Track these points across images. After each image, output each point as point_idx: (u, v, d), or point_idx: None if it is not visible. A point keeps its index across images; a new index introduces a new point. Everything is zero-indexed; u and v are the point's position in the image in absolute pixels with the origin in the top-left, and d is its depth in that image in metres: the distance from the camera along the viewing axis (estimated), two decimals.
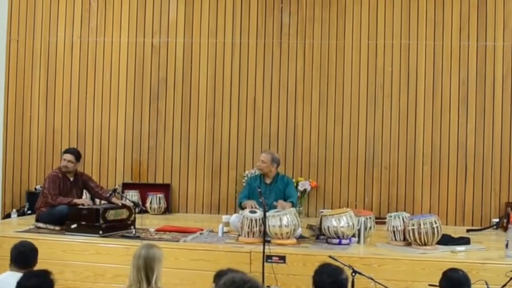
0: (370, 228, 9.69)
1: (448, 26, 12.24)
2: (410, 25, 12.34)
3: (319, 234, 9.58)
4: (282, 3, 12.64)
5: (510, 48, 12.08)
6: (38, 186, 12.42)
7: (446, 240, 9.34)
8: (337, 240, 9.18)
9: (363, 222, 9.46)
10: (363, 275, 6.77)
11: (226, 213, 11.41)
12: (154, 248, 6.18)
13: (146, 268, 6.01)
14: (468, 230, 11.19)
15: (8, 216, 12.11)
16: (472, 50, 12.17)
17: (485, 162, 12.10)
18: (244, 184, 11.40)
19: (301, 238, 9.55)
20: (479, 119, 12.12)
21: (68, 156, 10.36)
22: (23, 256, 6.45)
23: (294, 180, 11.50)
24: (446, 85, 12.22)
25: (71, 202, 9.94)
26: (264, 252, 8.13)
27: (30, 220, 10.73)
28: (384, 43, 12.39)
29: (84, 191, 10.77)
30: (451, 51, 12.21)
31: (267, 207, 8.90)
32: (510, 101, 12.05)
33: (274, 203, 9.78)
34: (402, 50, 12.34)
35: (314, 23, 12.57)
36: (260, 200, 8.90)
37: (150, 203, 12.44)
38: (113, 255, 8.81)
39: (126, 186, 12.65)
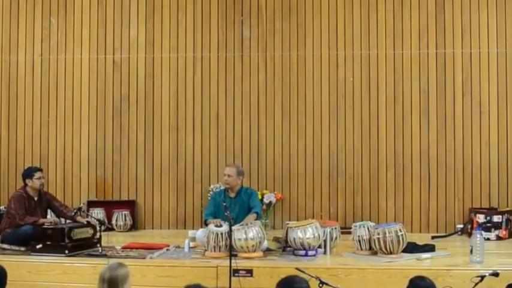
0: (336, 238, 9.75)
1: (407, 35, 12.35)
2: (369, 35, 12.43)
3: (286, 246, 9.63)
4: (242, 16, 12.68)
5: (469, 55, 12.21)
6: (1, 207, 12.30)
7: (412, 248, 9.42)
8: (303, 252, 9.24)
9: (328, 232, 9.52)
10: (330, 285, 6.79)
11: (193, 228, 11.41)
12: (119, 269, 6.05)
13: None
14: (433, 237, 11.29)
15: None
16: (432, 58, 12.28)
17: (448, 168, 12.20)
18: (209, 199, 11.39)
19: (267, 251, 9.58)
20: (441, 126, 12.23)
21: (41, 174, 10.35)
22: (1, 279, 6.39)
23: (259, 192, 11.50)
24: (407, 94, 12.32)
25: (37, 222, 9.90)
26: (230, 266, 8.13)
27: None
28: (345, 54, 12.46)
29: (49, 210, 10.70)
30: (411, 60, 12.32)
31: (232, 221, 8.91)
32: (470, 107, 12.18)
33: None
34: (362, 60, 12.42)
35: (275, 35, 12.62)
36: (225, 214, 8.90)
37: (116, 220, 12.38)
38: (80, 274, 8.75)
39: (91, 204, 12.55)
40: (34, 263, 9.02)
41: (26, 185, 10.29)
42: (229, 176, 10.20)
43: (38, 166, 11.24)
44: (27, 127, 12.91)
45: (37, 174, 10.30)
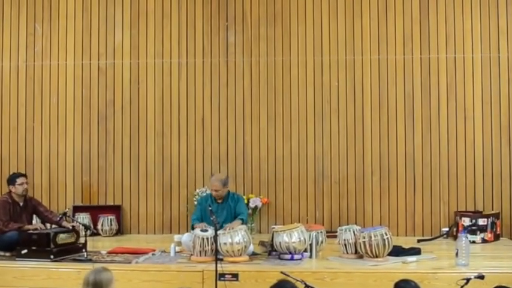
0: (322, 242, 9.75)
1: (392, 40, 12.39)
2: (354, 40, 12.46)
3: (271, 250, 9.63)
4: (227, 22, 12.69)
5: (453, 60, 12.27)
6: None
7: (397, 251, 9.45)
8: (289, 256, 9.24)
9: (314, 236, 9.53)
10: None
11: (178, 233, 11.40)
12: (102, 273, 6.05)
13: None
14: (419, 240, 11.32)
15: None
16: (416, 63, 12.34)
17: (433, 172, 12.25)
18: (195, 203, 11.38)
19: (253, 255, 9.58)
20: (426, 131, 12.28)
21: (24, 179, 10.30)
22: None
23: (244, 197, 11.51)
24: (392, 98, 12.36)
25: (22, 227, 9.87)
26: (216, 270, 8.10)
27: None
28: (329, 59, 12.49)
29: (34, 216, 10.66)
30: (396, 65, 12.37)
31: (218, 225, 8.90)
32: (455, 111, 12.23)
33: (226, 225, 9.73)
34: (347, 65, 12.46)
35: (259, 41, 12.64)
36: (211, 218, 8.90)
37: (102, 225, 12.36)
38: (65, 279, 8.72)
39: (77, 209, 12.53)
40: (19, 268, 8.97)
41: (10, 191, 10.26)
42: (216, 190, 10.16)
43: (22, 172, 11.22)
44: (12, 133, 12.87)
45: (19, 180, 10.26)
